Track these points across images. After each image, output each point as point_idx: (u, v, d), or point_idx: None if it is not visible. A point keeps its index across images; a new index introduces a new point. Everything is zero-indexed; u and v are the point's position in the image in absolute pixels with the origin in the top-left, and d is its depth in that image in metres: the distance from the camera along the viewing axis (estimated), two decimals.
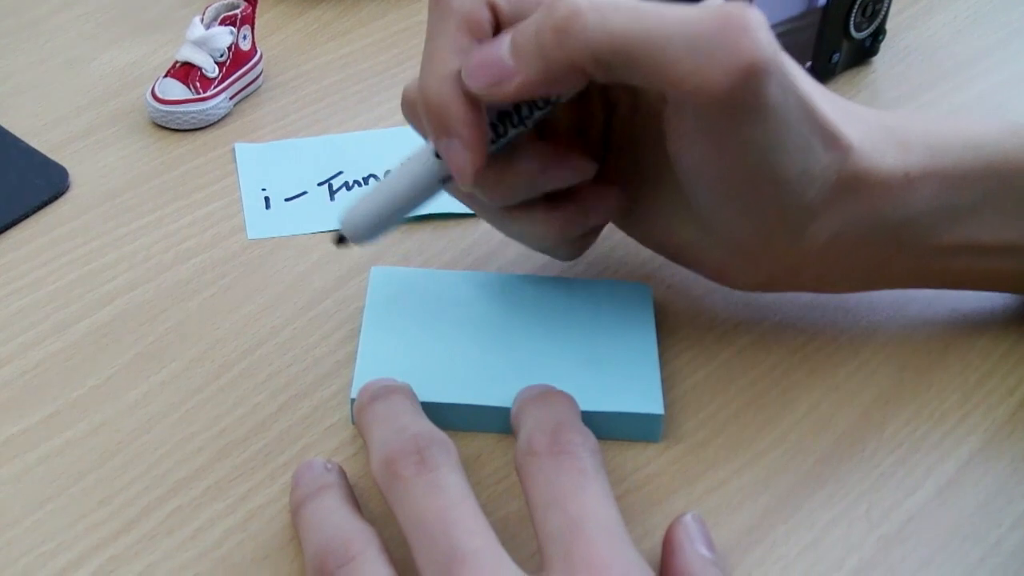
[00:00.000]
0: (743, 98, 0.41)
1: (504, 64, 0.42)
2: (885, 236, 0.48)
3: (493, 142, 0.45)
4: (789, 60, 0.44)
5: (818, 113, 0.45)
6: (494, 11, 0.44)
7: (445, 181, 0.46)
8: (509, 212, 0.48)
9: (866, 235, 0.48)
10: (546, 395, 0.45)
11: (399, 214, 0.47)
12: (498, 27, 0.44)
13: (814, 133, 0.44)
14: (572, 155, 0.48)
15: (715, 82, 0.41)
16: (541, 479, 0.41)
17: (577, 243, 0.51)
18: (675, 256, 0.51)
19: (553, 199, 0.48)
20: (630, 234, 0.53)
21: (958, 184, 0.48)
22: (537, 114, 0.45)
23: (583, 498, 0.40)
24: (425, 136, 0.47)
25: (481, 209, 0.50)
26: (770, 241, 0.47)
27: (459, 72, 0.43)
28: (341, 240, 0.48)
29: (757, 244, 0.47)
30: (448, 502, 0.39)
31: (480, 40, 0.43)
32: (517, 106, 0.45)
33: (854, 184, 0.46)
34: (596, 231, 0.51)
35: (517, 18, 0.43)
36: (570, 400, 0.45)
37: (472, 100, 0.43)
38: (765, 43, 0.41)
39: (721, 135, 0.43)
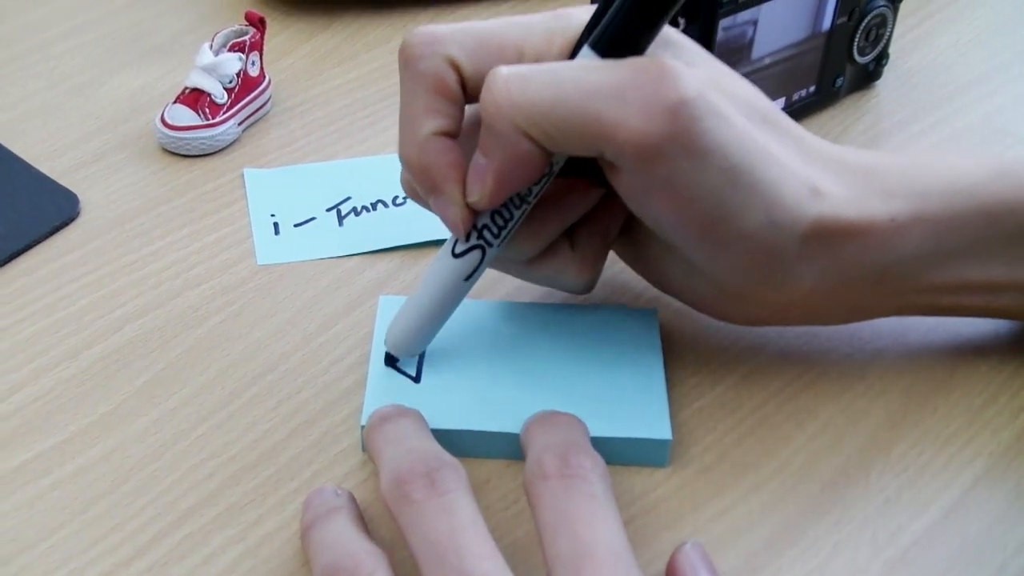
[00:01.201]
0: (678, 141, 0.42)
1: (480, 165, 0.44)
2: (871, 279, 0.48)
3: (503, 228, 0.47)
4: (743, 104, 0.44)
5: (779, 162, 0.45)
6: (458, 71, 0.45)
7: (469, 278, 0.48)
8: (536, 261, 0.50)
9: (851, 280, 0.48)
10: (555, 417, 0.46)
11: (436, 324, 0.49)
12: (464, 84, 0.45)
13: (775, 183, 0.44)
14: (578, 183, 0.48)
15: (644, 128, 0.41)
16: (551, 502, 0.41)
17: (595, 272, 0.51)
18: (670, 291, 0.52)
19: (568, 236, 0.50)
20: (629, 265, 0.53)
21: (946, 228, 0.47)
22: (536, 190, 0.46)
23: (593, 523, 0.40)
24: (428, 209, 0.48)
25: (506, 267, 0.51)
26: (753, 287, 0.47)
27: (434, 134, 0.45)
28: (391, 359, 0.50)
29: (742, 288, 0.48)
30: (458, 525, 0.40)
31: (450, 99, 0.45)
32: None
33: (833, 232, 0.46)
34: (604, 256, 0.52)
35: (478, 73, 0.45)
36: (579, 423, 0.46)
37: (454, 158, 0.45)
38: (687, 83, 0.42)
39: (670, 184, 0.43)
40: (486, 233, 0.47)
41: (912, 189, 0.47)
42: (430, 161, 0.45)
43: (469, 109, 0.47)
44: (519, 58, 0.45)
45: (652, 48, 0.44)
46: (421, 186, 0.46)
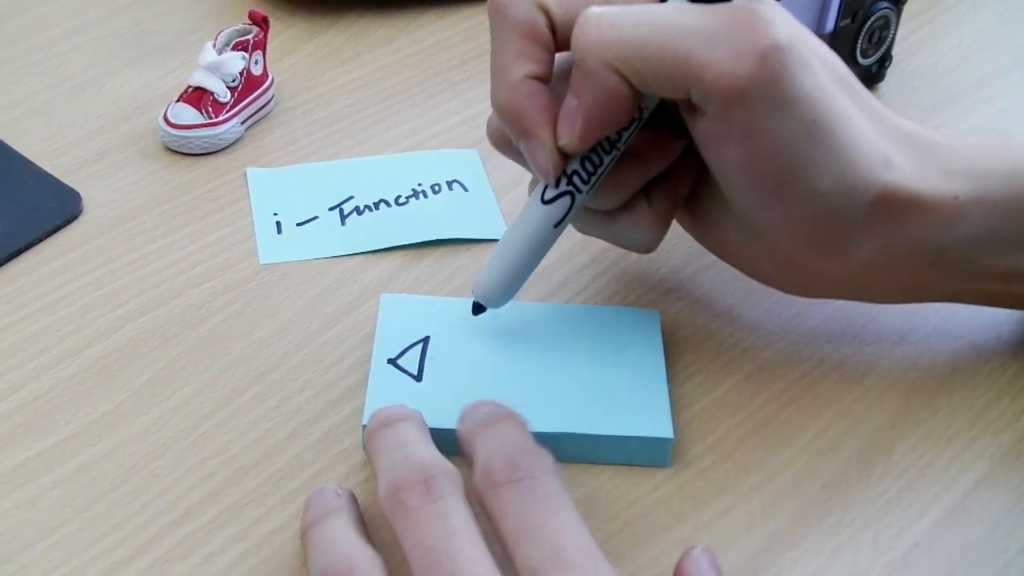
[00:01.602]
0: (766, 86, 0.42)
1: (571, 106, 0.45)
2: (927, 259, 0.48)
3: (593, 174, 0.47)
4: (825, 63, 0.45)
5: (857, 124, 0.45)
6: (548, 16, 0.46)
7: (559, 225, 0.48)
8: (614, 215, 0.50)
9: (908, 257, 0.48)
10: (494, 419, 0.44)
11: (525, 272, 0.50)
12: (553, 30, 0.46)
13: (852, 145, 0.44)
14: (661, 135, 0.49)
15: (733, 70, 0.42)
16: (507, 510, 0.41)
17: (666, 227, 0.51)
18: (724, 256, 0.52)
19: (645, 192, 0.50)
20: (687, 230, 0.54)
21: (1005, 212, 0.47)
22: (625, 135, 0.47)
23: (554, 523, 0.40)
24: (516, 161, 0.49)
25: (584, 221, 0.52)
26: (811, 252, 0.47)
27: (526, 77, 0.46)
28: (478, 308, 0.50)
29: (799, 254, 0.48)
30: (452, 531, 0.40)
31: (541, 44, 0.46)
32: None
33: (900, 204, 0.46)
34: (674, 213, 0.52)
35: (568, 19, 0.46)
36: (519, 420, 0.45)
37: (545, 102, 0.46)
38: (780, 29, 0.42)
39: (750, 133, 0.44)
40: (575, 179, 0.47)
41: (974, 170, 0.47)
42: (521, 104, 0.46)
43: (559, 57, 0.47)
44: (609, 1, 0.46)
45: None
46: (513, 130, 0.47)
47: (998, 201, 0.47)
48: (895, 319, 0.55)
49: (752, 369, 0.53)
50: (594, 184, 0.47)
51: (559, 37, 0.46)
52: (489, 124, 0.50)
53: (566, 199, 0.47)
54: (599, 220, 0.51)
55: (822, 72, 0.44)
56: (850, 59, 0.68)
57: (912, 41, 0.76)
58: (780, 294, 0.54)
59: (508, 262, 0.49)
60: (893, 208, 0.46)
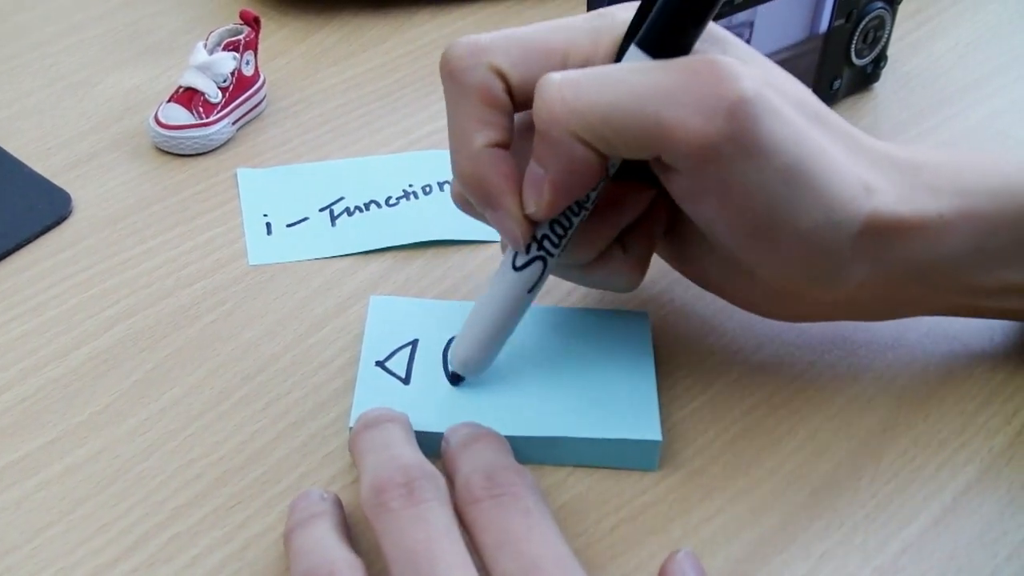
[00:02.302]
0: (736, 141, 0.41)
1: (537, 175, 0.43)
2: (916, 277, 0.47)
3: (563, 237, 0.46)
4: (795, 102, 0.44)
5: (832, 158, 0.44)
6: (504, 80, 0.44)
7: (532, 290, 0.47)
8: (591, 267, 0.49)
9: (897, 277, 0.47)
10: (474, 439, 0.45)
11: (502, 339, 0.48)
12: (511, 92, 0.44)
13: (830, 181, 0.44)
14: (630, 186, 0.48)
15: (703, 129, 0.41)
16: (487, 524, 0.41)
17: (644, 271, 0.51)
18: (709, 288, 0.51)
19: (619, 239, 0.49)
20: (670, 264, 0.53)
21: (992, 227, 0.47)
22: (593, 195, 0.45)
23: (533, 538, 0.40)
24: (484, 222, 0.48)
25: (560, 272, 0.51)
26: (799, 285, 0.47)
27: (487, 146, 0.44)
28: (456, 378, 0.49)
29: (790, 287, 0.47)
30: (433, 535, 0.40)
31: (499, 109, 0.44)
32: None
33: (886, 228, 0.45)
34: (651, 255, 0.51)
35: (525, 80, 0.44)
36: (499, 439, 0.45)
37: (508, 169, 0.44)
38: (745, 82, 0.41)
39: (726, 186, 0.43)
40: (546, 243, 0.46)
41: (959, 186, 0.47)
42: (484, 174, 0.44)
43: (517, 116, 0.46)
44: (564, 62, 0.44)
45: (699, 45, 0.43)
46: (477, 200, 0.45)
47: (984, 217, 0.47)
48: (886, 323, 0.54)
49: (742, 372, 0.52)
50: (565, 245, 0.46)
51: (516, 99, 0.45)
52: (452, 187, 0.48)
53: (538, 264, 0.46)
54: (575, 271, 0.50)
55: (792, 114, 0.43)
56: (844, 60, 0.67)
57: (908, 41, 0.76)
58: None
59: (485, 333, 0.48)
60: (879, 233, 0.45)
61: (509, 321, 0.48)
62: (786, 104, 0.43)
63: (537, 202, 0.44)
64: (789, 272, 0.46)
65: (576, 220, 0.46)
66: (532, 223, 0.45)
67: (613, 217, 0.48)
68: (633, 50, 0.43)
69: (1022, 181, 0.47)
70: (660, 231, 0.50)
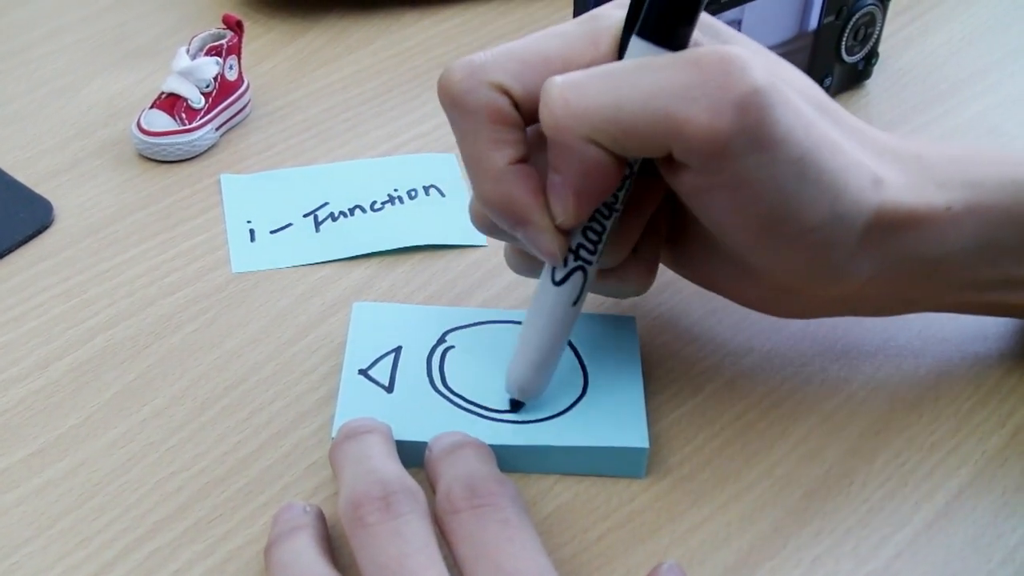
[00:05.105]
0: (749, 134, 0.40)
1: (557, 183, 0.42)
2: (922, 272, 0.47)
3: (598, 242, 0.45)
4: (802, 93, 0.43)
5: (843, 151, 0.43)
6: (509, 95, 0.43)
7: (576, 302, 0.46)
8: (604, 274, 0.48)
9: (904, 271, 0.46)
10: (458, 447, 0.44)
11: (555, 359, 0.47)
12: (517, 105, 0.43)
13: (840, 173, 0.43)
14: (642, 181, 0.46)
15: (713, 123, 0.39)
16: (466, 536, 0.40)
17: (655, 274, 0.50)
18: (713, 289, 0.51)
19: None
20: (672, 269, 0.52)
21: (998, 220, 0.46)
22: (621, 195, 0.44)
23: (512, 549, 0.40)
24: (509, 242, 0.47)
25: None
26: (807, 282, 0.46)
27: (506, 165, 0.43)
28: (515, 404, 0.48)
29: (794, 284, 0.46)
30: (409, 550, 0.39)
31: (511, 125, 0.43)
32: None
33: (894, 221, 0.45)
34: (659, 258, 0.50)
35: (529, 91, 0.43)
36: (482, 448, 0.45)
37: (534, 184, 0.43)
38: (755, 73, 0.40)
39: (737, 181, 0.42)
40: (582, 252, 0.45)
41: (965, 179, 0.46)
42: (510, 193, 0.43)
43: (528, 130, 0.45)
44: (566, 68, 0.43)
45: (699, 38, 0.42)
46: (506, 221, 0.44)
47: (991, 209, 0.46)
48: (878, 323, 0.54)
49: (732, 375, 0.52)
50: (601, 251, 0.45)
51: (524, 112, 0.43)
52: (472, 211, 0.47)
53: (578, 275, 0.45)
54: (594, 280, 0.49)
55: (803, 105, 0.42)
56: (835, 57, 0.67)
57: (900, 38, 0.75)
58: None
59: (537, 355, 0.47)
60: (887, 226, 0.45)
61: (558, 339, 0.47)
62: (795, 95, 0.42)
63: (564, 211, 0.43)
64: (796, 268, 0.45)
65: (608, 224, 0.44)
66: (566, 234, 0.44)
67: (636, 215, 0.46)
68: (635, 41, 0.42)
69: None
70: (665, 231, 0.49)
